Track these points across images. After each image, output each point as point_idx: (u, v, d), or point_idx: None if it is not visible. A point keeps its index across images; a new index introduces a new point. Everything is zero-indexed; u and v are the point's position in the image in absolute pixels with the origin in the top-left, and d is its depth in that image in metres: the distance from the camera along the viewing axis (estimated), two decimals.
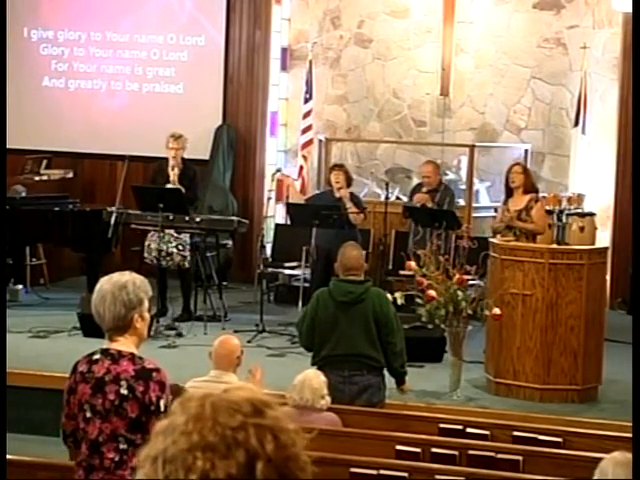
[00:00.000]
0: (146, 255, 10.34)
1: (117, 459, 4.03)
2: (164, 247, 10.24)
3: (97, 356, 4.14)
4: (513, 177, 9.76)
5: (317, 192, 11.89)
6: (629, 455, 3.86)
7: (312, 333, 7.05)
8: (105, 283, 4.14)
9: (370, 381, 6.98)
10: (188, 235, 10.34)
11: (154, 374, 4.04)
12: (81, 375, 4.12)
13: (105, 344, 4.18)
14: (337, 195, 10.53)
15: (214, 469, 1.57)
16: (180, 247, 10.29)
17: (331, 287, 7.09)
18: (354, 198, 10.64)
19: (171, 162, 10.47)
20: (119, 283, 4.11)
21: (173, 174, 10.45)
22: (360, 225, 10.68)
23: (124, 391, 4.03)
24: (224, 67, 12.87)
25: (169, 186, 10.38)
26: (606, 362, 8.51)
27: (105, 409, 4.05)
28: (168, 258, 10.28)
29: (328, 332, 6.98)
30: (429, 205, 10.52)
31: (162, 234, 10.11)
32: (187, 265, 10.35)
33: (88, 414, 4.08)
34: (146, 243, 10.36)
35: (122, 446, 4.03)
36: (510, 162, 11.09)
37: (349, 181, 10.68)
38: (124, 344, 4.12)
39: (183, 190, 10.38)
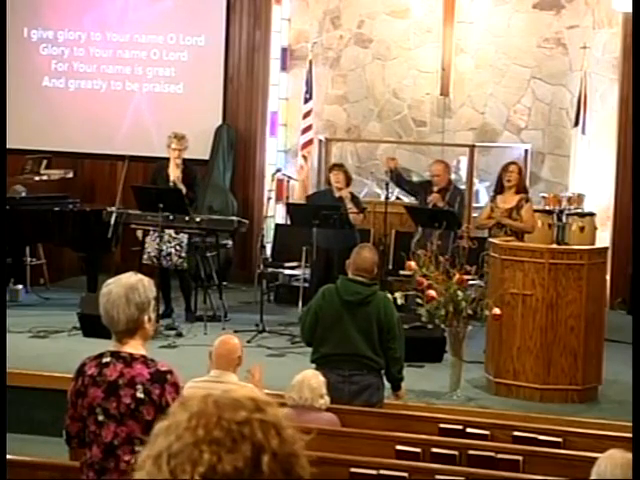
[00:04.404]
0: (145, 256, 10.30)
1: (133, 461, 4.02)
2: (163, 247, 10.21)
3: (107, 359, 4.08)
4: (509, 176, 9.79)
5: (316, 191, 11.88)
6: (627, 454, 3.85)
7: (314, 328, 7.02)
8: (114, 286, 4.07)
9: (370, 381, 6.98)
10: (186, 235, 10.31)
11: (168, 376, 4.03)
12: (91, 378, 4.08)
13: (112, 346, 4.12)
14: (337, 195, 10.54)
15: (221, 462, 1.59)
16: (178, 247, 10.26)
17: (338, 284, 7.05)
18: (354, 198, 10.65)
19: (174, 162, 10.46)
20: (129, 285, 4.05)
21: (174, 174, 10.44)
22: (359, 225, 10.70)
23: (140, 394, 4.01)
24: (224, 67, 12.87)
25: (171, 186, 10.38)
26: (606, 362, 8.51)
27: (120, 413, 4.03)
28: (168, 258, 10.27)
29: (330, 329, 6.95)
30: (440, 204, 10.50)
31: (161, 234, 10.10)
32: (185, 266, 10.33)
33: (100, 417, 4.06)
34: (146, 244, 10.33)
35: (138, 448, 3.99)
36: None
37: (348, 181, 10.70)
38: (134, 346, 4.08)
39: (185, 190, 10.38)
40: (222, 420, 1.62)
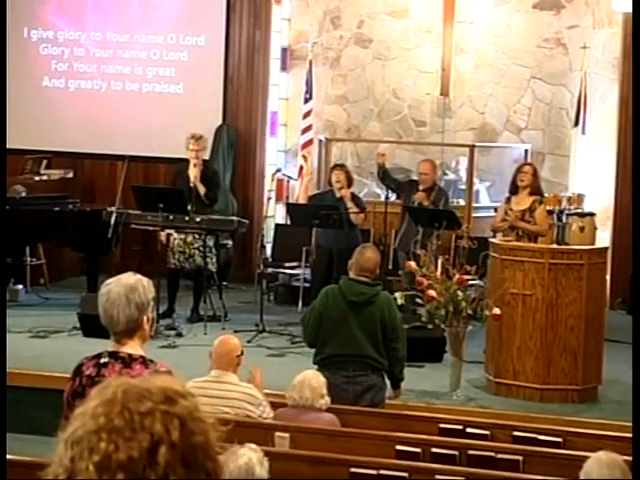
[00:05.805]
0: (170, 259, 10.28)
1: None
2: (187, 250, 10.25)
3: (105, 359, 4.03)
4: (522, 176, 9.72)
5: (318, 192, 11.88)
6: (614, 455, 3.86)
7: (318, 329, 7.00)
8: (114, 286, 4.03)
9: (374, 381, 6.97)
10: (211, 237, 10.34)
11: None
12: (89, 379, 4.02)
13: (110, 346, 4.07)
14: (338, 195, 10.55)
15: (116, 451, 1.59)
16: (202, 248, 10.26)
17: (342, 285, 7.03)
18: (355, 198, 10.66)
19: (193, 162, 10.45)
20: (129, 285, 4.01)
21: (193, 174, 10.43)
22: (361, 225, 10.70)
23: None
24: (224, 67, 12.87)
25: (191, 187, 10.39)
26: (606, 362, 8.51)
27: None
28: (190, 260, 10.29)
29: (334, 330, 6.94)
30: (425, 203, 10.53)
31: (185, 236, 10.15)
32: (210, 267, 10.33)
33: None
34: (170, 246, 10.29)
35: None
36: (510, 162, 11.15)
37: (350, 181, 10.71)
38: (132, 347, 4.03)
39: (204, 190, 10.39)
40: (125, 410, 1.62)
